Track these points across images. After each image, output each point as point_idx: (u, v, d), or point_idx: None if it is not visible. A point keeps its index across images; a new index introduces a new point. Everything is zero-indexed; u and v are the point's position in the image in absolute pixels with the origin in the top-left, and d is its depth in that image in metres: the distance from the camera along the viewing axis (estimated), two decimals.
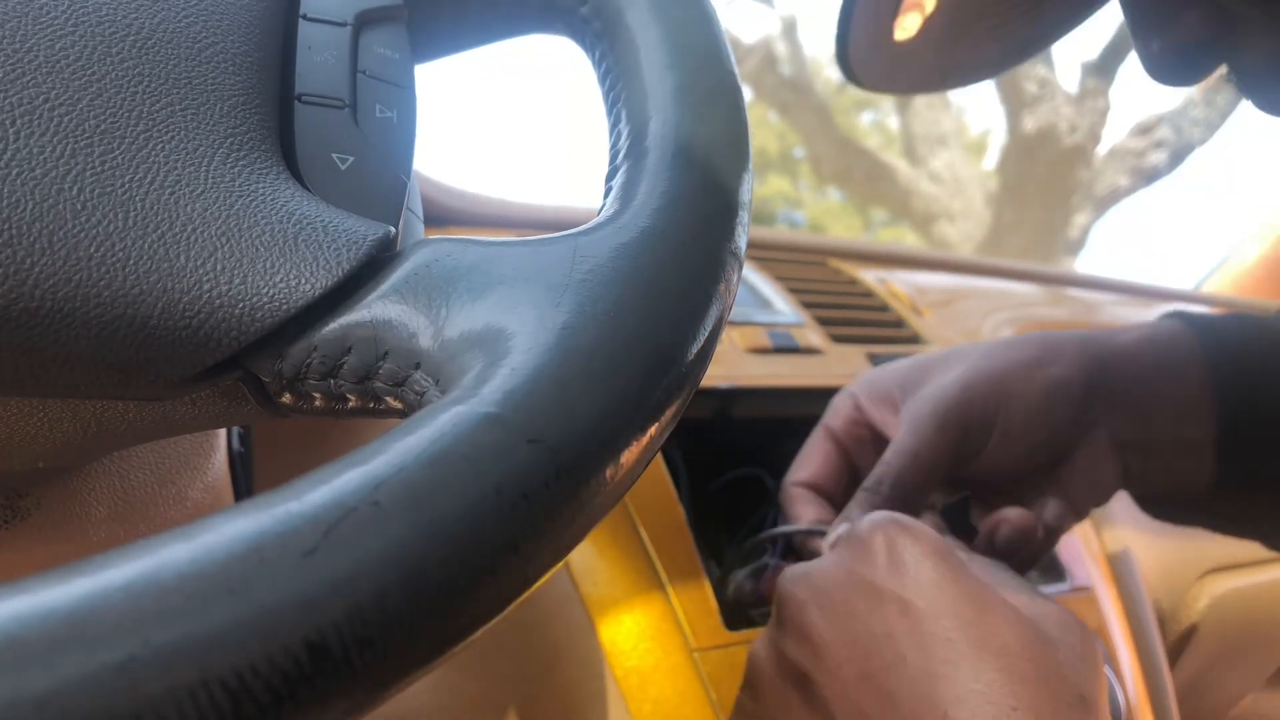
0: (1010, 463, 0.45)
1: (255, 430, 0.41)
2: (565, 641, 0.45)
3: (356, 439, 0.50)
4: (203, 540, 0.13)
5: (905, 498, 0.44)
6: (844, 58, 0.43)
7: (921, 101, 5.26)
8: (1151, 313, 1.12)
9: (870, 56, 0.43)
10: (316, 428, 0.49)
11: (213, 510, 0.33)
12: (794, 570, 0.38)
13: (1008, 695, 0.32)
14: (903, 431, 0.45)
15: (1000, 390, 0.44)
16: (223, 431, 0.34)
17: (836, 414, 0.48)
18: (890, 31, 0.41)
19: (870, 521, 0.37)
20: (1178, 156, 4.67)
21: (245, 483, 0.35)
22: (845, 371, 0.62)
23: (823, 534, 0.43)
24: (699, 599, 0.46)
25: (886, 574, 0.35)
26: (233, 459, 0.34)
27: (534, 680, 0.46)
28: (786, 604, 0.37)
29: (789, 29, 5.56)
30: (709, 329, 0.21)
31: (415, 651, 0.14)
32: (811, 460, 0.48)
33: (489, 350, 0.19)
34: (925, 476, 0.44)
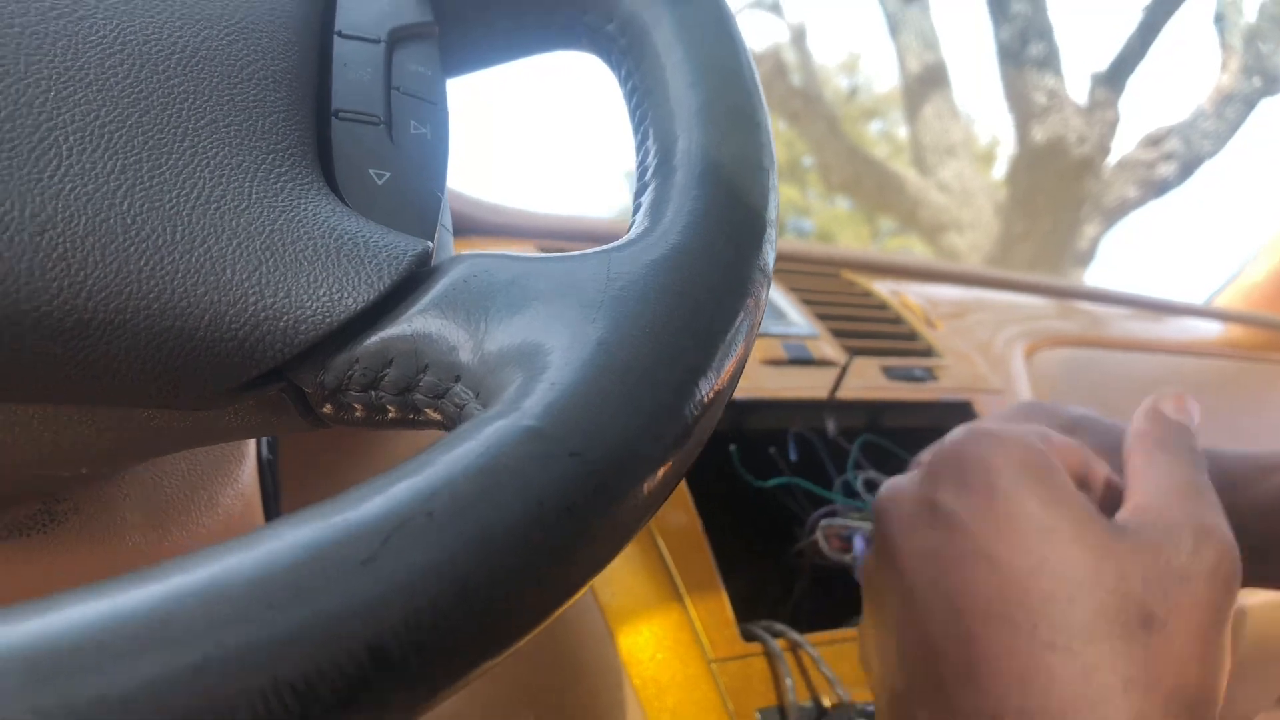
0: None
1: (282, 438, 0.42)
2: (584, 650, 0.46)
3: (379, 448, 0.50)
4: (268, 547, 0.14)
5: None
6: None
7: (931, 111, 5.26)
8: (1163, 326, 1.12)
9: None
10: (341, 437, 0.49)
11: (243, 517, 0.33)
12: (882, 496, 0.39)
13: (1057, 633, 0.31)
14: None
15: None
16: (253, 440, 0.35)
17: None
18: None
19: (958, 439, 0.37)
20: (1187, 169, 4.67)
21: (273, 490, 0.35)
22: (860, 384, 0.63)
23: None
24: (716, 609, 0.47)
25: (955, 499, 0.35)
26: (262, 466, 0.35)
27: (553, 689, 0.46)
28: (878, 529, 0.38)
29: (798, 38, 5.58)
30: (740, 344, 0.22)
31: (466, 656, 0.15)
32: None
33: (528, 364, 0.19)
34: None
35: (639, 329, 0.20)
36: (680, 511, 0.50)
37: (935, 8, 5.06)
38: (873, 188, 5.49)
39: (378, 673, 0.13)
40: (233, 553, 0.14)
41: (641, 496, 0.18)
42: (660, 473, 0.18)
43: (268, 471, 0.35)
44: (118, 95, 0.21)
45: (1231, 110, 4.47)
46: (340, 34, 0.26)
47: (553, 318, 0.20)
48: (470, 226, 0.67)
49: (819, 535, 0.54)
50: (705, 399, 0.20)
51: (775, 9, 5.59)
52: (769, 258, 0.24)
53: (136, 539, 0.30)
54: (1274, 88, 4.36)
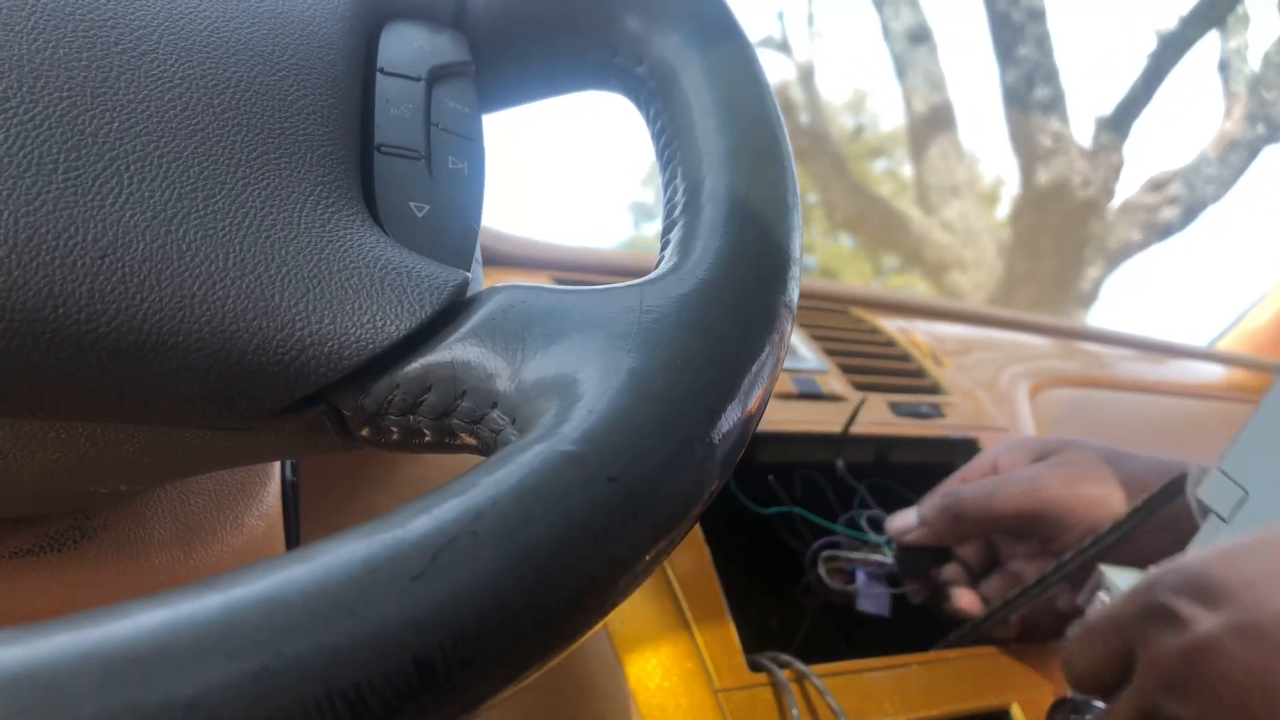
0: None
1: (303, 460, 0.42)
2: (593, 677, 0.46)
3: (394, 473, 0.51)
4: (321, 562, 0.14)
5: (964, 524, 0.54)
6: None
7: (936, 150, 5.30)
8: (1166, 368, 1.13)
9: None
10: (359, 461, 0.50)
11: (267, 537, 0.34)
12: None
13: None
14: (1002, 479, 0.54)
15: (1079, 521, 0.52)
16: (278, 461, 0.35)
17: (973, 469, 0.58)
18: None
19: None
20: (1191, 213, 4.69)
21: (295, 511, 0.36)
22: (867, 419, 0.63)
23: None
24: (724, 640, 0.47)
25: None
26: (285, 488, 0.36)
27: (562, 714, 0.47)
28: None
29: (806, 76, 5.63)
30: (766, 374, 0.22)
31: (506, 671, 0.15)
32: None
33: (564, 392, 0.20)
34: (988, 520, 0.54)
35: (670, 360, 0.21)
36: (690, 543, 0.50)
37: (942, 49, 5.11)
38: (877, 225, 5.52)
39: (424, 684, 0.14)
40: (290, 565, 0.14)
41: (674, 520, 0.19)
42: (692, 498, 0.19)
43: (290, 493, 0.36)
44: (176, 127, 0.22)
45: (1235, 156, 4.50)
46: (382, 71, 0.27)
47: (587, 348, 0.21)
48: (485, 257, 0.68)
49: (820, 567, 0.54)
50: (734, 426, 0.21)
51: (784, 48, 5.64)
52: (793, 292, 0.25)
53: (163, 556, 0.31)
54: (1277, 135, 4.40)
